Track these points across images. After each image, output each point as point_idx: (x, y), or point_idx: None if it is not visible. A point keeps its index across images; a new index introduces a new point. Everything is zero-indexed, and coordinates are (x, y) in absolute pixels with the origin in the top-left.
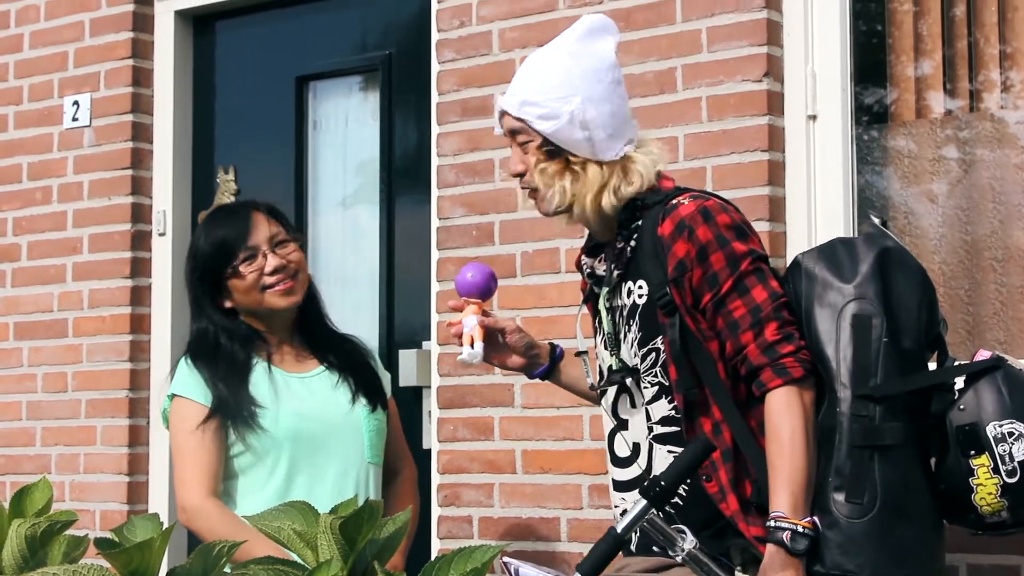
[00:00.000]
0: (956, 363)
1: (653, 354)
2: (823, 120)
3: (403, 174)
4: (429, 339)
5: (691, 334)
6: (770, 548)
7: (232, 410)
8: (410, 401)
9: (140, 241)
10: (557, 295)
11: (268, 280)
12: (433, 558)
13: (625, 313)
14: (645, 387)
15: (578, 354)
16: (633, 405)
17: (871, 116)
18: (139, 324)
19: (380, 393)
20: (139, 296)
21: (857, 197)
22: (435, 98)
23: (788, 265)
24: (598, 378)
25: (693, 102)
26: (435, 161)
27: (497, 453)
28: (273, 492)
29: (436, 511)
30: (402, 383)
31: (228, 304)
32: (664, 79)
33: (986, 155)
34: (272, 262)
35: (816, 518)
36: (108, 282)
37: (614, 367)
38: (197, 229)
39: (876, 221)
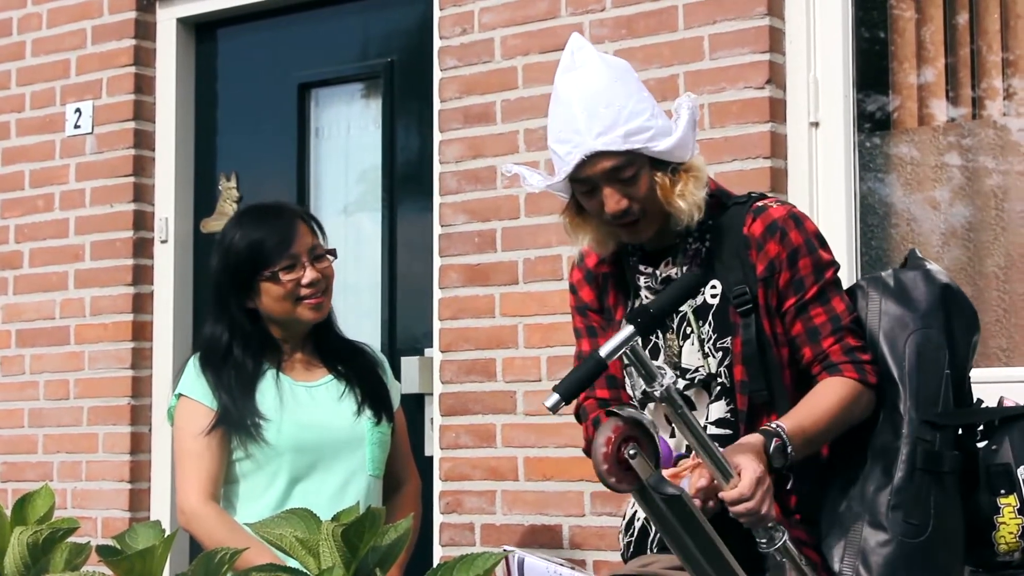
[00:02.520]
0: (997, 403)
1: (721, 354)
2: (825, 127)
3: (405, 181)
4: (431, 346)
5: (764, 336)
6: (753, 436)
7: (235, 421)
8: (412, 408)
9: (142, 248)
10: (559, 302)
11: (304, 292)
12: (435, 565)
13: (691, 314)
14: (714, 387)
15: (603, 409)
16: (691, 407)
17: (873, 123)
18: (141, 331)
19: (387, 404)
20: (141, 303)
21: (859, 204)
22: (437, 105)
23: (850, 287)
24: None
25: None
26: (437, 168)
27: (499, 460)
28: (272, 500)
29: (438, 518)
30: (404, 390)
31: (252, 306)
32: (666, 86)
33: (988, 162)
34: (310, 275)
35: (794, 477)
36: (110, 289)
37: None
38: (230, 223)
39: (922, 258)
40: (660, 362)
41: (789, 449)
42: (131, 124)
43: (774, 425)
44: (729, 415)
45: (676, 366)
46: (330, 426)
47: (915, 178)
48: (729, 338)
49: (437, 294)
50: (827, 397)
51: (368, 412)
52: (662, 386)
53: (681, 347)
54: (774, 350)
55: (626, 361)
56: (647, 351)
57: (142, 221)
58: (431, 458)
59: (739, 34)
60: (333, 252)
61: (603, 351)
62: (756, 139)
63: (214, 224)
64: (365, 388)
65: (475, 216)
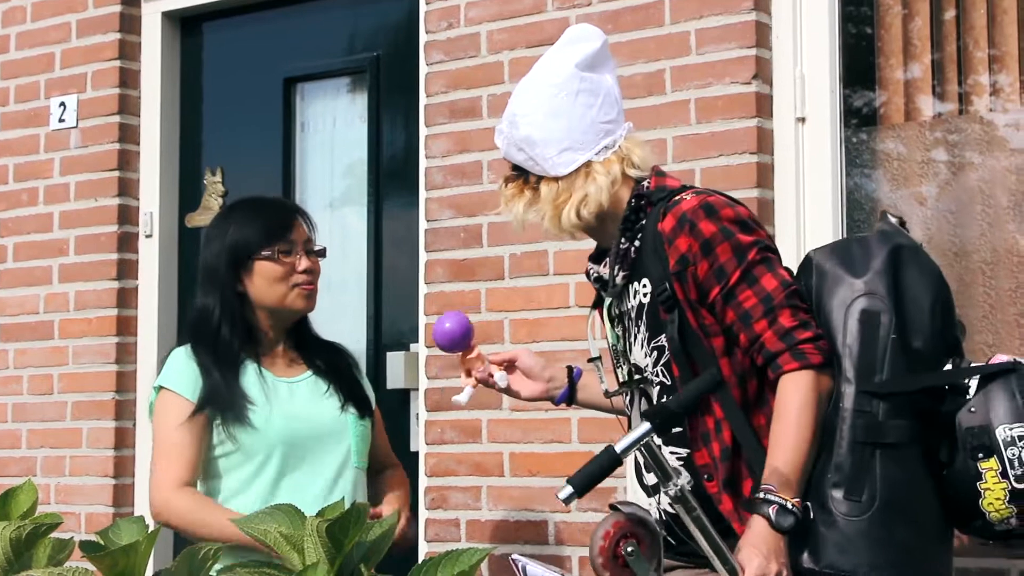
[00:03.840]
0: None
1: (656, 352)
2: (812, 122)
3: (391, 176)
4: (417, 341)
5: (691, 330)
6: (754, 520)
7: (225, 401)
8: (397, 404)
9: (127, 243)
10: (546, 297)
11: (298, 278)
12: (420, 561)
13: (633, 315)
14: (653, 387)
15: (590, 360)
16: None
17: (860, 119)
18: (125, 326)
19: (367, 401)
20: (125, 298)
21: (846, 200)
22: (423, 100)
23: (802, 261)
24: (615, 385)
25: (682, 104)
26: (423, 163)
27: (485, 456)
28: (258, 495)
29: (424, 514)
30: (389, 385)
31: (242, 290)
32: (653, 81)
33: (975, 158)
34: (305, 263)
35: (808, 504)
36: (94, 284)
37: (624, 375)
38: (230, 208)
39: (893, 220)
40: (630, 361)
41: (790, 505)
42: (116, 118)
43: (761, 490)
44: None
45: (636, 367)
46: (317, 420)
47: (901, 173)
48: (663, 336)
49: (423, 289)
50: (789, 417)
51: (351, 407)
52: (676, 486)
53: (631, 347)
54: (704, 342)
55: (640, 459)
56: (620, 348)
57: (127, 215)
58: (416, 454)
59: (725, 29)
60: (324, 251)
61: (618, 447)
62: (742, 135)
63: (199, 219)
64: (345, 385)
65: (461, 211)
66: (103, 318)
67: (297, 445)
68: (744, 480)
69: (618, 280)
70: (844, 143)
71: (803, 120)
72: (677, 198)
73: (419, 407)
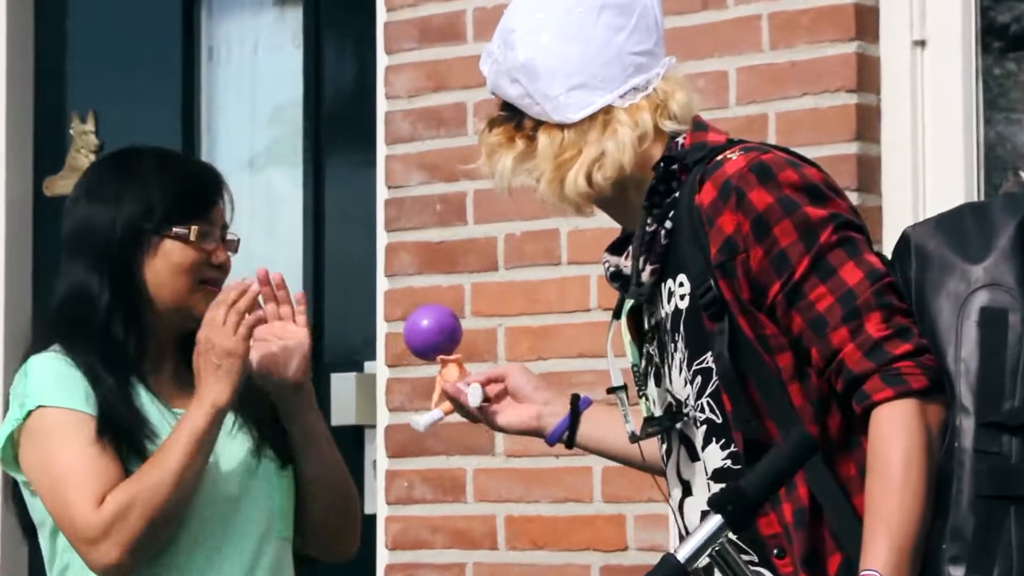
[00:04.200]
0: None
1: (699, 377)
2: (935, 47)
3: (336, 124)
4: (373, 358)
5: (748, 344)
6: None
7: (123, 424)
8: (347, 445)
9: None
10: (556, 296)
11: (209, 273)
12: None
13: (668, 325)
14: (697, 428)
15: (611, 390)
16: (695, 457)
17: (1006, 41)
18: None
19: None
20: None
21: (984, 155)
22: (382, 16)
23: (897, 243)
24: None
25: (750, 22)
26: (382, 105)
27: (470, 520)
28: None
29: None
30: (335, 421)
31: (139, 276)
32: None
33: None
34: (221, 255)
35: None
36: None
37: (654, 408)
38: (122, 156)
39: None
40: (659, 389)
41: None
42: None
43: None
44: (730, 462)
45: (675, 399)
46: (225, 471)
47: None
48: (708, 354)
49: (382, 284)
50: (890, 470)
51: (269, 452)
52: None
53: (669, 371)
54: (766, 360)
55: (713, 564)
56: (651, 374)
57: None
58: (373, 517)
59: None
60: (237, 244)
61: (681, 555)
62: (836, 64)
63: (63, 184)
64: (260, 420)
65: (436, 174)
66: None
67: (208, 505)
68: (830, 556)
69: (645, 276)
70: (981, 75)
71: (923, 44)
72: (719, 158)
73: (377, 451)
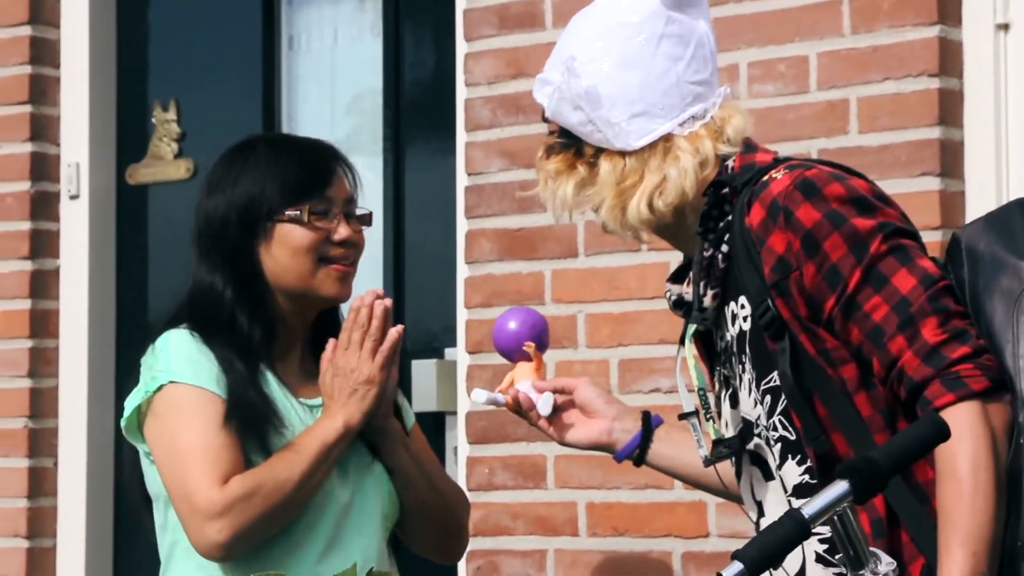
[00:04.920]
0: None
1: (769, 397)
2: (1019, 30)
3: (416, 112)
4: (454, 345)
5: (810, 360)
6: None
7: (253, 417)
8: (428, 432)
9: (43, 206)
10: (636, 282)
11: (332, 251)
12: None
13: (735, 348)
14: (772, 446)
15: (683, 416)
16: (768, 477)
17: None
18: (42, 325)
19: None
20: (42, 285)
21: None
22: (461, 3)
23: (948, 245)
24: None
25: (830, 6)
26: (461, 93)
27: (551, 507)
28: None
29: None
30: (416, 407)
31: (258, 265)
32: None
33: None
34: (344, 230)
35: None
36: None
37: (729, 431)
38: (237, 150)
39: None
40: (734, 411)
41: None
42: (26, 29)
43: None
44: (807, 477)
45: (745, 421)
46: (345, 464)
47: None
48: (775, 373)
49: (462, 271)
50: (959, 477)
51: (373, 463)
52: (875, 574)
53: (738, 393)
54: (831, 374)
55: (832, 533)
56: (725, 396)
57: (42, 168)
58: None
59: None
60: (369, 217)
61: (807, 511)
62: (918, 48)
63: (145, 172)
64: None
65: (516, 160)
66: (11, 313)
67: (327, 497)
68: (912, 562)
69: (707, 301)
70: None
71: (1006, 27)
72: (765, 179)
73: (458, 438)
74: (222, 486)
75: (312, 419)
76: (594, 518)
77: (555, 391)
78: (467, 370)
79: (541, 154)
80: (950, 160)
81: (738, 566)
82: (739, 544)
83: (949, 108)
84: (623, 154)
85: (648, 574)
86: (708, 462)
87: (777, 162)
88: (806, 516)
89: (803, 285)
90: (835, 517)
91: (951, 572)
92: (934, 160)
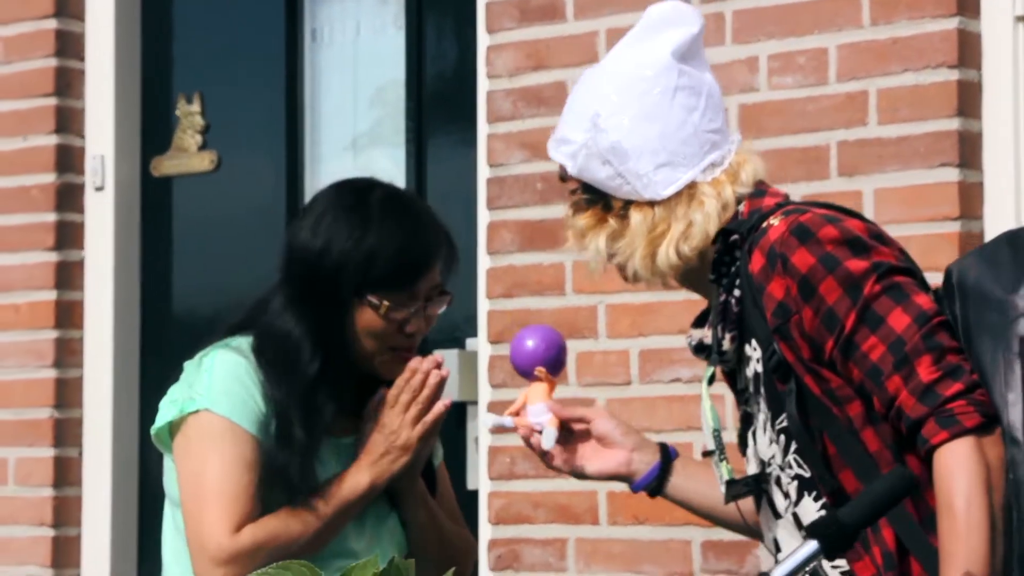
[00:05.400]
0: None
1: (783, 436)
2: None
3: (438, 104)
4: (475, 335)
5: (816, 400)
6: None
7: (288, 479)
8: (450, 423)
9: (68, 198)
10: None
11: (399, 341)
12: None
13: (751, 389)
14: (787, 483)
15: (707, 454)
16: (776, 516)
17: None
18: (68, 315)
19: (430, 473)
20: (67, 276)
21: None
22: None
23: (943, 278)
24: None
25: None
26: (483, 85)
27: (572, 496)
28: None
29: None
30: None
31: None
32: None
33: None
34: (417, 323)
35: None
36: (23, 256)
37: (751, 467)
38: (363, 194)
39: None
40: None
41: None
42: (52, 22)
43: None
44: (824, 512)
45: (760, 460)
46: (363, 517)
47: None
48: (785, 414)
49: (484, 262)
50: (955, 513)
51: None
52: None
53: (755, 433)
54: (836, 412)
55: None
56: (750, 433)
57: (68, 160)
58: (475, 494)
59: None
60: (450, 299)
61: (775, 573)
62: (937, 40)
63: (169, 164)
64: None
65: (537, 152)
66: (36, 304)
67: (337, 543)
68: None
69: (726, 344)
70: None
71: None
72: (764, 226)
73: (479, 427)
74: (234, 533)
75: (340, 460)
76: (614, 507)
77: (573, 420)
78: (488, 360)
79: (568, 212)
80: (969, 151)
81: None
82: (757, 532)
83: (968, 99)
84: (652, 204)
85: (668, 563)
86: (727, 499)
87: (778, 206)
88: None
89: (803, 328)
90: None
91: None
92: (953, 151)
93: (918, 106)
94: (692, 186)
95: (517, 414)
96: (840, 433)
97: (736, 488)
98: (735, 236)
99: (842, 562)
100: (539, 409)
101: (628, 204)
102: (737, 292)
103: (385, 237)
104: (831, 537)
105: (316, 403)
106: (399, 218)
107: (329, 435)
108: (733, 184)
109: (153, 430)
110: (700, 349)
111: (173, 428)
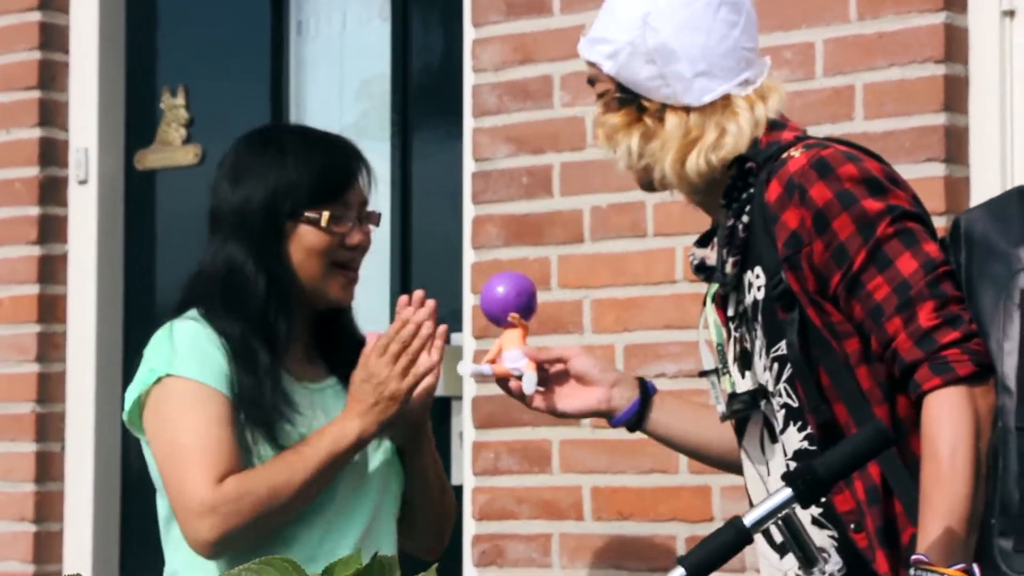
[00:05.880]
0: None
1: (776, 364)
2: None
3: (424, 97)
4: (460, 330)
5: (816, 332)
6: None
7: (260, 409)
8: (434, 417)
9: (52, 192)
10: (643, 268)
11: (343, 256)
12: None
13: (750, 314)
14: (775, 411)
15: (703, 374)
16: (774, 440)
17: None
18: (51, 309)
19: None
20: (50, 270)
21: None
22: None
23: (950, 227)
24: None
25: None
26: (469, 79)
27: (556, 491)
28: (284, 543)
29: (470, 573)
30: None
31: (283, 255)
32: None
33: None
34: (356, 236)
35: (977, 568)
36: (6, 249)
37: (735, 385)
38: (265, 135)
39: None
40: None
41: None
42: (36, 15)
43: (912, 564)
44: (807, 443)
45: (757, 384)
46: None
47: None
48: (783, 342)
49: (469, 256)
50: (939, 457)
51: (388, 438)
52: (823, 573)
53: (751, 357)
54: (835, 347)
55: (778, 533)
56: (734, 360)
57: (51, 153)
58: (459, 489)
59: None
60: (378, 218)
61: (748, 519)
62: (924, 35)
63: (153, 158)
64: None
65: (523, 146)
66: (19, 298)
67: (336, 480)
68: (904, 530)
69: (728, 268)
70: None
71: (1011, 14)
72: (783, 156)
73: (464, 423)
74: (216, 484)
75: (316, 401)
76: (599, 502)
77: (551, 361)
78: (473, 355)
79: (599, 110)
80: (955, 146)
81: (680, 571)
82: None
83: (954, 94)
84: (687, 110)
85: (652, 558)
86: (724, 418)
87: (797, 140)
88: (747, 525)
89: (812, 260)
90: (780, 522)
91: (926, 546)
92: (939, 146)
93: (904, 101)
94: (727, 98)
95: (493, 361)
96: (836, 367)
97: (736, 403)
98: (750, 164)
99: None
100: (515, 355)
101: (664, 108)
102: (746, 219)
103: (303, 158)
104: (805, 485)
105: (271, 321)
106: (310, 141)
107: (300, 381)
108: (764, 104)
109: (124, 416)
110: (701, 268)
111: (142, 405)
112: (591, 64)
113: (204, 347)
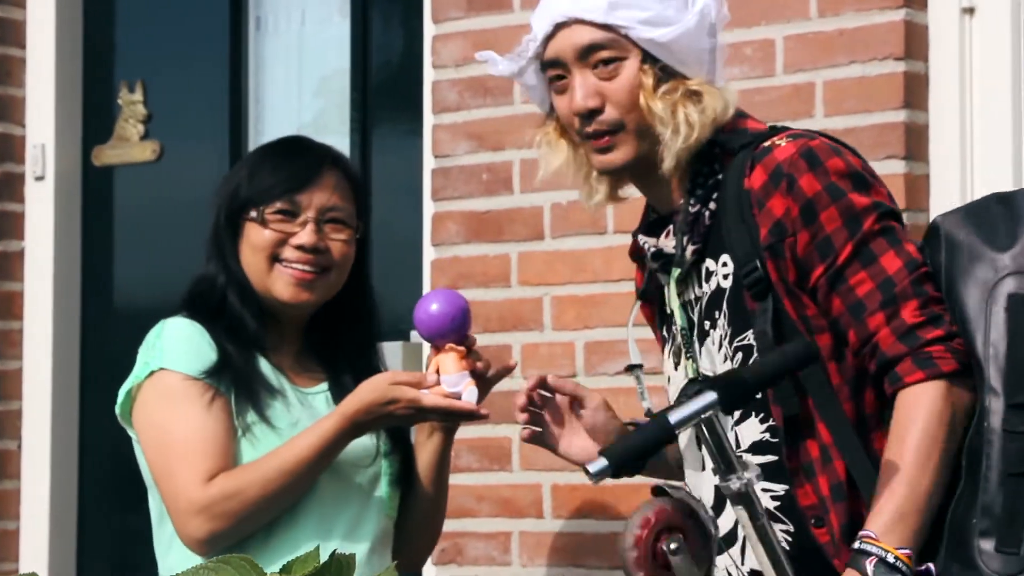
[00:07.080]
0: None
1: (740, 354)
2: (984, 15)
3: (383, 94)
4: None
5: (791, 324)
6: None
7: (241, 377)
8: None
9: (8, 188)
10: (603, 265)
11: (286, 253)
12: None
13: (705, 303)
14: None
15: (629, 368)
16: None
17: None
18: (7, 306)
19: (405, 430)
20: (7, 266)
21: None
22: None
23: (926, 231)
24: (662, 404)
25: None
26: (429, 75)
27: (516, 490)
28: (275, 537)
29: (430, 572)
30: None
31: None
32: None
33: None
34: (305, 236)
35: (909, 552)
36: None
37: (668, 386)
38: (249, 155)
39: None
40: (682, 367)
41: (891, 557)
42: None
43: (858, 537)
44: (768, 435)
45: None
46: (347, 449)
47: None
48: (750, 332)
49: (429, 253)
50: (905, 441)
51: (384, 437)
52: (741, 480)
53: (700, 348)
54: (807, 339)
55: (699, 436)
56: (674, 348)
57: (8, 149)
58: None
59: None
60: (358, 229)
61: (672, 417)
62: (884, 32)
63: (111, 154)
64: None
65: (483, 143)
66: None
67: (325, 475)
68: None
69: (687, 255)
70: None
71: (971, 11)
72: (767, 144)
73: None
74: (206, 483)
75: (307, 406)
76: (559, 501)
77: (566, 393)
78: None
79: (650, 84)
80: (915, 143)
81: (603, 462)
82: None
83: (914, 91)
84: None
85: (612, 556)
86: (649, 414)
87: (775, 130)
88: (672, 421)
89: (795, 251)
90: (702, 425)
91: (873, 524)
92: (899, 143)
93: (864, 98)
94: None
95: (432, 387)
96: None
97: (696, 387)
98: (718, 149)
99: (776, 487)
100: (454, 380)
101: (703, 83)
102: (712, 205)
103: (258, 159)
104: (730, 389)
105: (236, 316)
106: (272, 145)
107: (289, 380)
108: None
109: (117, 409)
110: (659, 256)
111: (133, 398)
112: (603, 27)
113: (195, 342)
